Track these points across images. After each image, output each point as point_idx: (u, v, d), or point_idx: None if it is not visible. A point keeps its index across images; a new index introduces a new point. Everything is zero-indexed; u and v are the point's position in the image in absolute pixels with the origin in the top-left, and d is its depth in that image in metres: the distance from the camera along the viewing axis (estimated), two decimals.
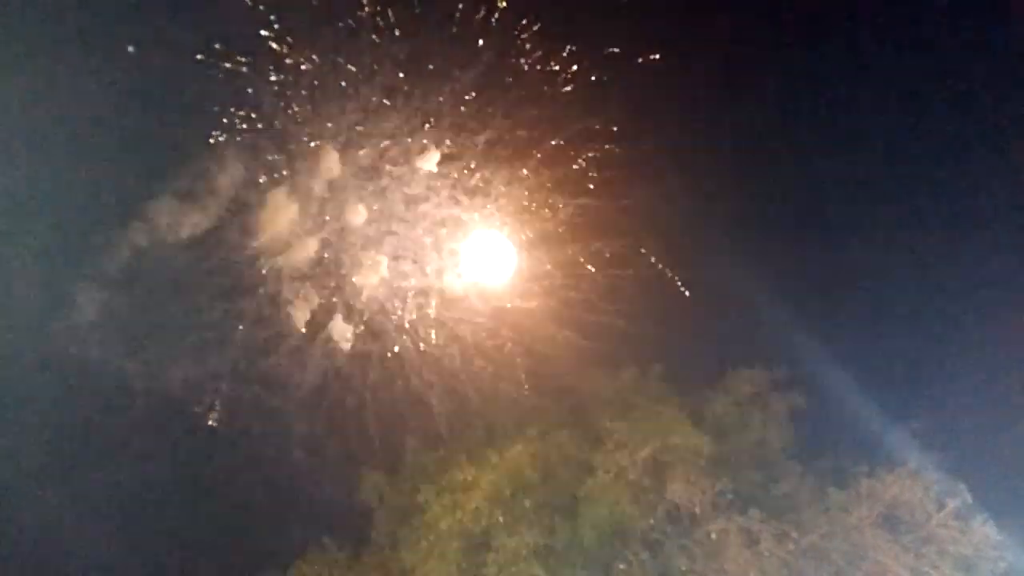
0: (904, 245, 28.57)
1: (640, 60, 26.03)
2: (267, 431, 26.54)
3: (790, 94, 29.22)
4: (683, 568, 20.47)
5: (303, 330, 26.37)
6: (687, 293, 27.17)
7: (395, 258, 26.64)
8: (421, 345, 26.28)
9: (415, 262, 26.71)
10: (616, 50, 25.93)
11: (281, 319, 26.31)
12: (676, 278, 27.28)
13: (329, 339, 26.55)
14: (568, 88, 26.13)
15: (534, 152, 26.43)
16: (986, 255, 27.63)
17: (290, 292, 26.44)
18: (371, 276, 26.52)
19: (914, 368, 25.67)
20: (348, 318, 26.47)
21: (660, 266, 27.30)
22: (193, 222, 24.53)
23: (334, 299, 26.63)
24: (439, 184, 26.47)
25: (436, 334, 26.28)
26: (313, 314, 26.54)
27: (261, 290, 26.23)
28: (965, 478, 21.15)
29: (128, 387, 24.12)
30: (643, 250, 27.14)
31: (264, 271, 26.06)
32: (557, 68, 25.98)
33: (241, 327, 26.15)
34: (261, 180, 25.53)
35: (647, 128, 27.57)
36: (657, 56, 26.13)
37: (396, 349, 26.17)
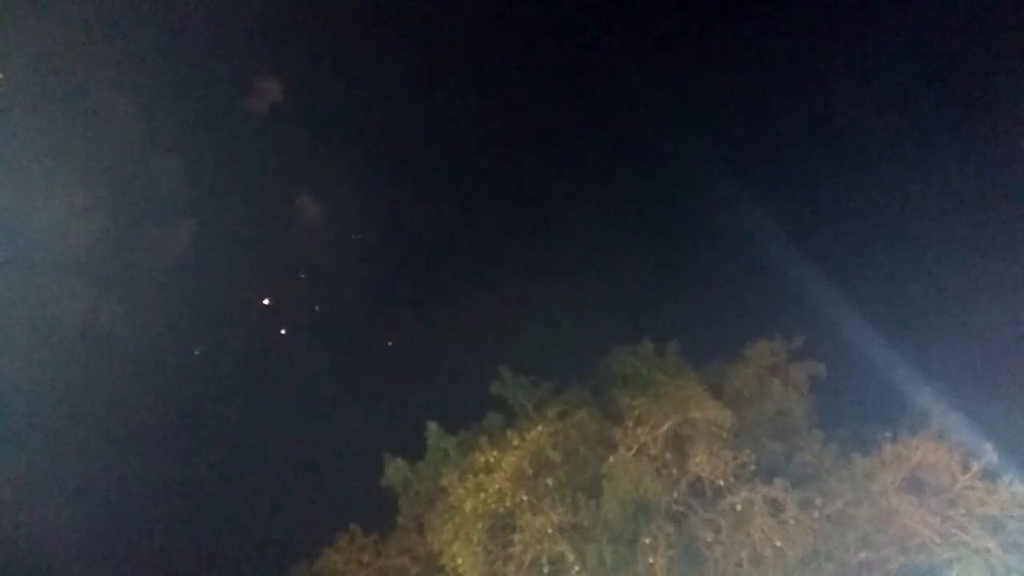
0: (925, 205, 28.24)
1: None
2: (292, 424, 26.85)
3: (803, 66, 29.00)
4: (709, 540, 20.50)
5: None
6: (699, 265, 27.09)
7: None
8: None
9: None
10: None
11: None
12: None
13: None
14: None
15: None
16: (1009, 213, 27.26)
17: None
18: None
19: (934, 330, 25.43)
20: None
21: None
22: None
23: None
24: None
25: None
26: None
27: None
28: (990, 438, 20.98)
29: None
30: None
31: None
32: None
33: None
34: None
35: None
36: None
37: None
